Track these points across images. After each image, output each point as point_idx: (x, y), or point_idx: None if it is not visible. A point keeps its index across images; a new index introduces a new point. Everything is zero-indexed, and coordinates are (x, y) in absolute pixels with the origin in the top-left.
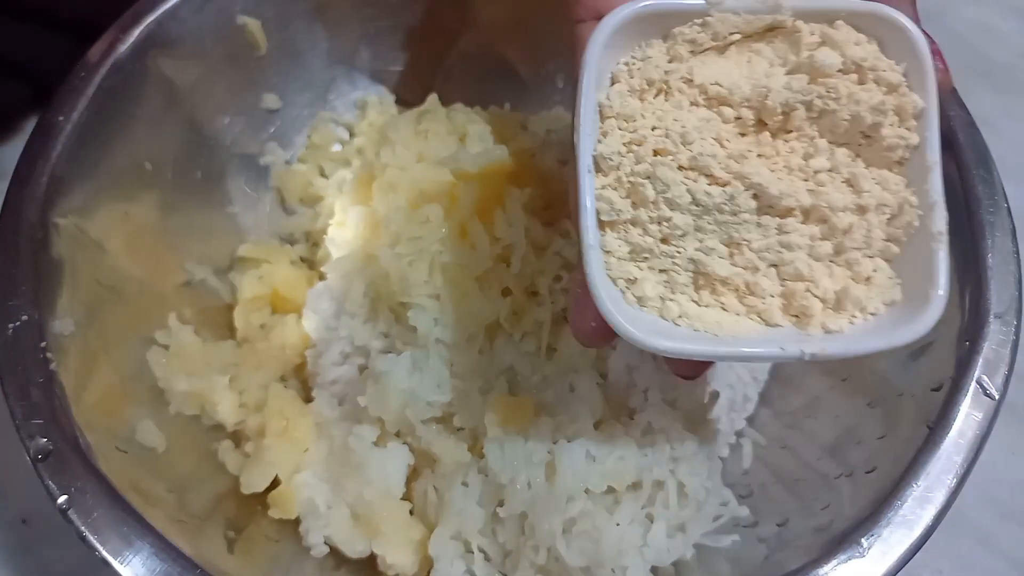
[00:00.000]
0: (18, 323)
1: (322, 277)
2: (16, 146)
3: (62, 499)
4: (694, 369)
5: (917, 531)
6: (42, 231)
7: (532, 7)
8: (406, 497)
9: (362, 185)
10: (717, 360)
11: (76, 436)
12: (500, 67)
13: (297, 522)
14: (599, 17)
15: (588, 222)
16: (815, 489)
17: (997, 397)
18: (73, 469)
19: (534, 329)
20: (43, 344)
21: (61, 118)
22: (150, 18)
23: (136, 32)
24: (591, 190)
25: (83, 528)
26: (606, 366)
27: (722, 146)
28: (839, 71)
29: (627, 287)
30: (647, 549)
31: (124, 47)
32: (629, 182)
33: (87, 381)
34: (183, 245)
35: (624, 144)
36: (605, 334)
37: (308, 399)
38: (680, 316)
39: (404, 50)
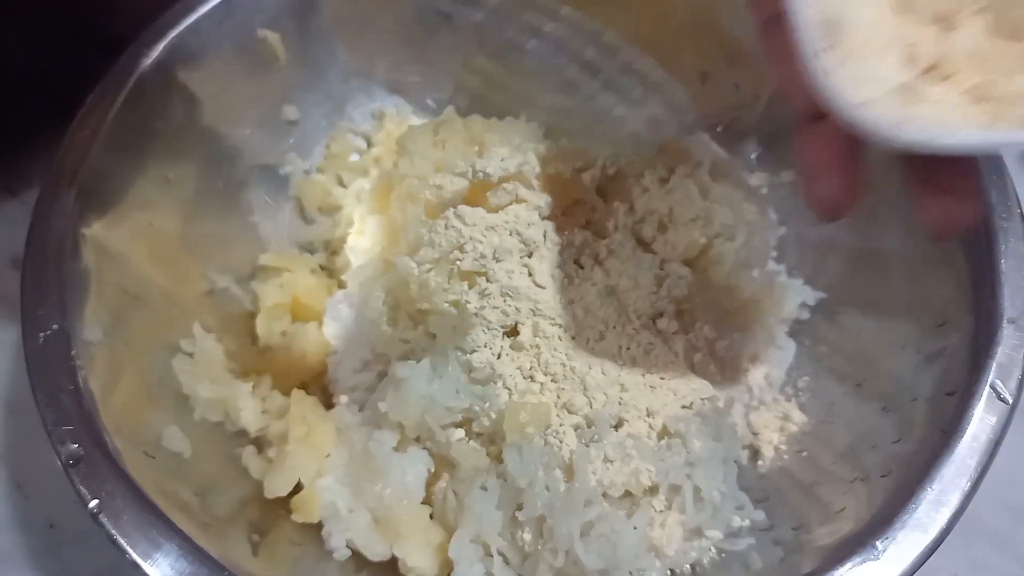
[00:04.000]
0: (48, 332)
1: (342, 285)
2: (40, 159)
3: (93, 503)
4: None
5: (932, 534)
6: (70, 242)
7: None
8: (426, 501)
9: (380, 194)
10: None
11: (105, 442)
12: None
13: (319, 526)
14: None
15: None
16: (830, 493)
17: (1011, 401)
18: (103, 474)
19: (552, 334)
20: (72, 352)
21: (87, 131)
22: (173, 32)
23: (159, 46)
24: None
25: (113, 531)
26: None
27: None
28: None
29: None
30: (664, 552)
31: (148, 61)
32: None
33: (115, 388)
34: (206, 254)
35: None
36: (847, 195)
37: (329, 405)
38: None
39: (420, 62)
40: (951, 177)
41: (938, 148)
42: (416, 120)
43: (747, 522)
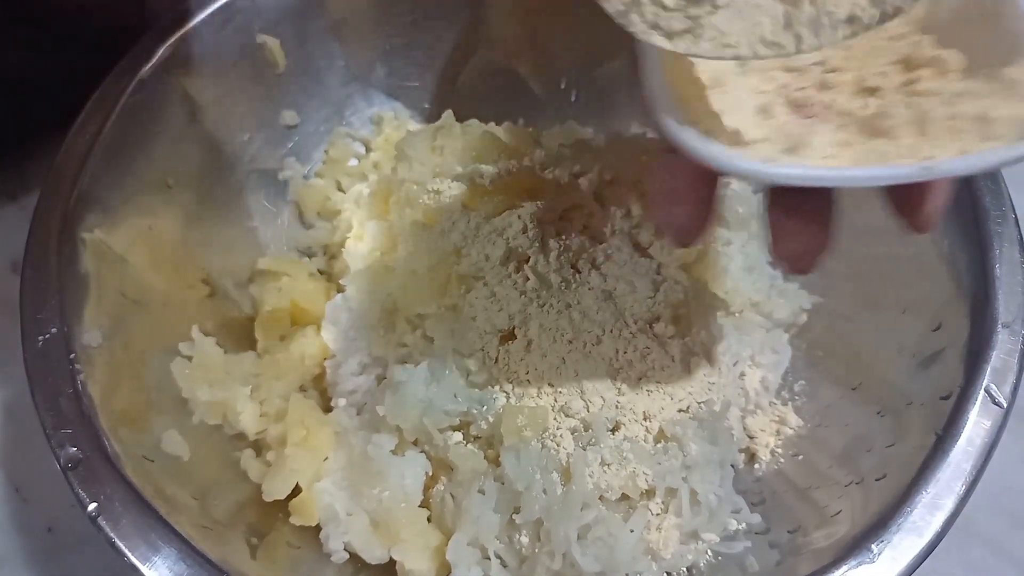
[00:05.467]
0: (48, 335)
1: (340, 289)
2: (40, 163)
3: (92, 506)
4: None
5: (927, 537)
6: (70, 246)
7: (545, 24)
8: (424, 504)
9: (379, 199)
10: (838, 185)
11: (104, 445)
12: (514, 83)
13: (318, 529)
14: None
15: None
16: (826, 496)
17: (1006, 405)
18: (102, 477)
19: (549, 338)
20: (72, 356)
21: (87, 136)
22: (172, 38)
23: (159, 51)
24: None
25: (112, 534)
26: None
27: None
28: None
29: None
30: (661, 555)
31: (147, 66)
32: None
33: (114, 391)
34: (205, 258)
35: None
36: (695, 223)
37: (327, 409)
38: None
39: (419, 67)
40: (810, 211)
41: (764, 178)
42: (414, 125)
43: (743, 525)
